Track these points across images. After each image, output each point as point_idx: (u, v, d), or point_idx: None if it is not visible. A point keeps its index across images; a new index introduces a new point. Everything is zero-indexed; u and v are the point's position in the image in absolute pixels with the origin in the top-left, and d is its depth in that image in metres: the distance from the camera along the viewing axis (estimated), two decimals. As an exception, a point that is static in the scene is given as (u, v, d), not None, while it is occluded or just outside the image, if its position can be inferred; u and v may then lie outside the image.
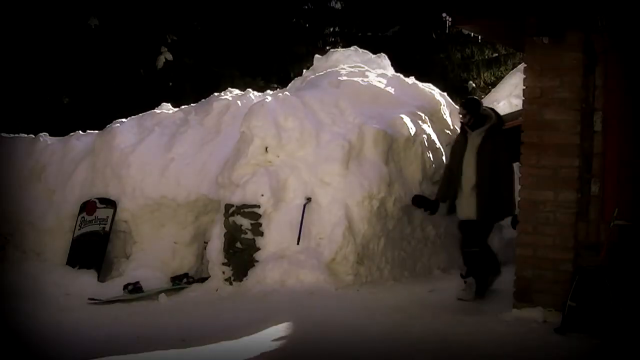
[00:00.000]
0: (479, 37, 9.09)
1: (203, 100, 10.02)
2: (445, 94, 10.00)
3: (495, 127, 7.43)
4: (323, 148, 8.11)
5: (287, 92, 9.07)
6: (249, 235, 7.92)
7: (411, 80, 9.66)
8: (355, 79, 9.12)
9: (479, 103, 7.66)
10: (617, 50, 6.26)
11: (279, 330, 6.06)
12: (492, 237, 9.67)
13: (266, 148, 8.14)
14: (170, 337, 5.92)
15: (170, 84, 15.95)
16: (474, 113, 7.43)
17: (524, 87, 6.53)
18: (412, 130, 8.54)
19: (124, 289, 8.00)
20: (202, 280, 8.20)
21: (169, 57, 15.65)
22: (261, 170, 8.04)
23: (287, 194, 7.98)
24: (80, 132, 10.44)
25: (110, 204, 8.93)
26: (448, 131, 9.33)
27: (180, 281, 8.20)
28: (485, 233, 7.55)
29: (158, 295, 7.87)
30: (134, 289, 7.94)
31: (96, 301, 7.68)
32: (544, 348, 5.53)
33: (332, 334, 5.94)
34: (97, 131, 10.21)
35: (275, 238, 7.83)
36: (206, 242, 8.39)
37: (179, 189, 8.70)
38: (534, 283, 6.41)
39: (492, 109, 7.70)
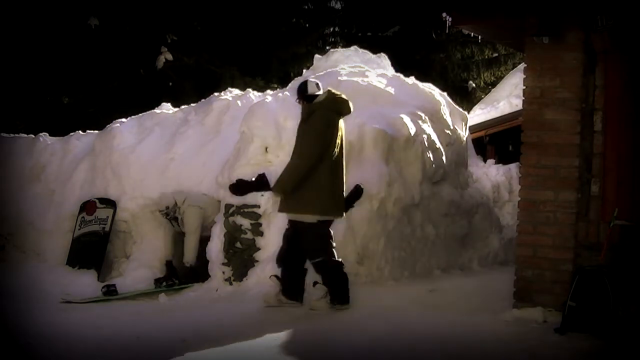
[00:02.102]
0: (479, 37, 9.06)
1: (203, 100, 10.03)
2: (445, 94, 10.01)
3: (315, 110, 6.78)
4: (323, 148, 8.09)
5: (287, 92, 9.07)
6: (249, 235, 7.93)
7: (411, 80, 9.67)
8: (355, 79, 9.12)
9: (304, 84, 6.98)
10: (617, 50, 6.26)
11: (279, 330, 6.05)
12: (491, 237, 9.76)
13: (266, 148, 8.14)
14: (170, 337, 5.91)
15: (170, 84, 15.96)
16: (303, 95, 6.93)
17: (524, 87, 6.52)
18: (412, 130, 8.54)
19: (100, 290, 8.00)
20: (183, 283, 8.15)
21: (169, 57, 15.66)
22: (261, 171, 8.02)
23: (287, 194, 7.96)
24: (80, 132, 10.45)
25: (110, 204, 8.94)
26: (448, 131, 9.34)
27: (160, 284, 8.15)
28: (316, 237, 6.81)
29: (132, 298, 7.86)
30: (108, 291, 7.92)
31: (69, 301, 7.63)
32: (544, 348, 5.52)
33: (332, 334, 5.94)
34: (97, 131, 10.23)
35: (275, 238, 7.81)
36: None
37: (179, 189, 8.70)
38: (534, 283, 6.41)
39: (329, 90, 6.94)
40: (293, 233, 6.84)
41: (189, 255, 8.23)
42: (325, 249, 6.79)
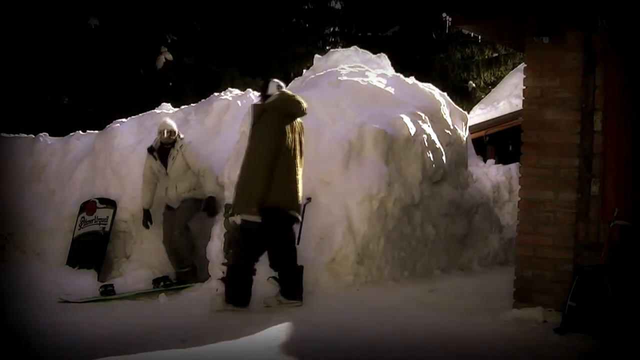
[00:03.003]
0: (479, 37, 9.07)
1: (203, 100, 10.03)
2: (445, 94, 10.00)
3: (269, 109, 6.82)
4: (323, 148, 8.10)
5: (286, 92, 9.06)
6: (249, 235, 7.91)
7: (411, 80, 9.66)
8: (355, 79, 9.11)
9: (266, 83, 7.07)
10: (617, 50, 6.26)
11: (279, 330, 6.06)
12: (491, 237, 9.76)
13: (266, 148, 8.13)
14: (170, 337, 5.92)
15: (170, 84, 15.96)
16: (263, 94, 7.02)
17: (524, 87, 6.52)
18: (412, 130, 8.54)
19: (98, 290, 8.00)
20: (182, 283, 8.14)
21: (169, 57, 15.66)
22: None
23: (287, 194, 7.97)
24: (80, 132, 10.45)
25: (110, 204, 8.94)
26: (448, 131, 9.33)
27: (158, 284, 8.15)
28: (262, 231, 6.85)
29: (130, 297, 7.85)
30: (106, 291, 7.92)
31: (67, 301, 7.63)
32: (544, 348, 5.53)
33: (332, 334, 5.94)
34: (97, 131, 10.23)
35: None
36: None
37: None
38: (534, 283, 6.41)
39: (282, 91, 7.00)
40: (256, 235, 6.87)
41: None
42: (284, 243, 6.95)
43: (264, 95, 6.99)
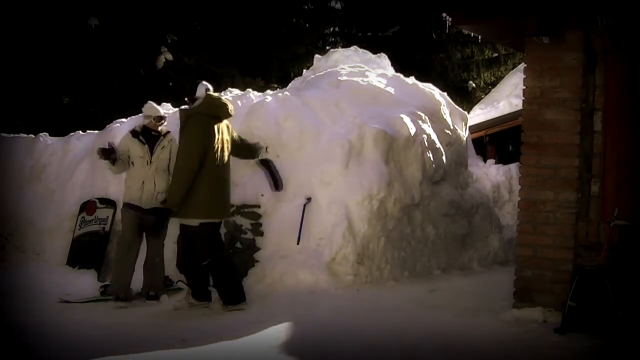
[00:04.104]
0: (479, 37, 9.07)
1: (203, 100, 10.02)
2: (445, 94, 10.01)
3: (191, 115, 6.89)
4: (323, 148, 8.11)
5: (287, 92, 9.08)
6: (249, 235, 7.93)
7: (411, 80, 9.67)
8: (355, 79, 9.12)
9: (195, 85, 7.10)
10: (617, 50, 6.26)
11: (279, 330, 6.06)
12: (491, 237, 9.76)
13: (266, 148, 8.14)
14: (170, 337, 5.92)
15: (170, 84, 15.94)
16: (190, 97, 7.07)
17: (524, 87, 6.53)
18: (412, 130, 8.54)
19: (98, 290, 7.99)
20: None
21: (169, 57, 15.64)
22: (261, 170, 8.05)
23: (287, 194, 7.98)
24: (80, 132, 10.44)
25: (110, 204, 8.93)
26: (448, 131, 9.34)
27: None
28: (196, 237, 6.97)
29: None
30: (106, 291, 7.91)
31: (67, 301, 7.62)
32: (544, 348, 5.53)
33: (332, 334, 5.94)
34: (97, 131, 10.22)
35: (275, 238, 7.83)
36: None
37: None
38: (534, 283, 6.42)
39: (208, 94, 7.01)
40: (184, 237, 7.05)
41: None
42: (210, 251, 6.97)
43: (192, 98, 7.04)
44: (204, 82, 7.16)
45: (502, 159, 13.21)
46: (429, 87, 9.70)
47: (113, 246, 8.93)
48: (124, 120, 9.88)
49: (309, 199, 7.87)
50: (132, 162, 7.58)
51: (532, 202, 6.46)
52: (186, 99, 7.15)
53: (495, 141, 13.93)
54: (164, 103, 10.31)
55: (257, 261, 7.81)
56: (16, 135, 10.79)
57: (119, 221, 8.92)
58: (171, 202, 6.95)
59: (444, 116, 9.40)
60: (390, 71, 10.22)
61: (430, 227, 8.67)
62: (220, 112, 7.03)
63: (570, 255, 6.31)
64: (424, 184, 8.60)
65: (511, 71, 16.89)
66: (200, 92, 7.02)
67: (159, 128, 7.69)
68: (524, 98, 6.56)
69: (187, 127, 6.92)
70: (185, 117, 6.99)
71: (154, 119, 7.67)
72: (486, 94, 17.61)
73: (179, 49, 15.80)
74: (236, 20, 16.40)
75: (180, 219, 7.04)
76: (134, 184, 7.52)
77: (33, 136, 10.42)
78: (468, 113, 11.66)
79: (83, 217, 8.96)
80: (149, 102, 7.96)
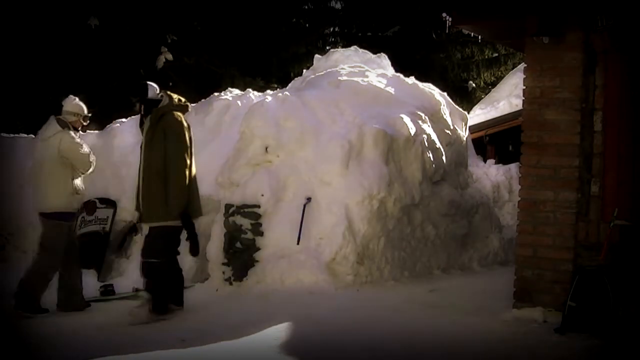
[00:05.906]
0: (479, 37, 9.07)
1: (203, 100, 10.03)
2: (445, 94, 10.01)
3: (165, 114, 6.77)
4: (323, 148, 8.11)
5: (287, 92, 9.08)
6: (249, 235, 7.93)
7: (411, 80, 9.67)
8: (355, 79, 9.12)
9: (144, 87, 6.97)
10: (617, 50, 6.26)
11: (279, 330, 6.05)
12: (491, 237, 9.77)
13: (266, 148, 8.14)
14: (170, 337, 5.92)
15: (170, 84, 15.94)
16: (142, 99, 6.97)
17: (524, 87, 6.53)
18: (412, 130, 8.54)
19: (98, 290, 7.99)
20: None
21: (169, 57, 15.65)
22: (261, 170, 8.05)
23: (287, 194, 7.98)
24: (80, 132, 10.42)
25: (110, 204, 8.94)
26: (448, 131, 9.34)
27: None
28: (165, 241, 6.74)
29: (129, 298, 7.78)
30: (106, 291, 7.92)
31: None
32: (544, 348, 5.53)
33: (332, 334, 5.94)
34: (97, 131, 10.22)
35: (275, 238, 7.83)
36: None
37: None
38: (534, 283, 6.42)
39: (167, 92, 7.00)
40: (161, 238, 6.77)
41: None
42: (169, 251, 6.80)
43: (146, 99, 6.94)
44: (151, 82, 7.09)
45: (502, 159, 13.22)
46: (429, 87, 9.71)
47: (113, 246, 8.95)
48: (124, 120, 9.88)
49: (309, 199, 7.87)
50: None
51: (532, 202, 6.46)
52: (138, 101, 7.03)
53: (495, 141, 13.94)
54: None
55: (257, 261, 7.81)
56: (16, 135, 10.79)
57: (118, 221, 8.94)
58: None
59: (444, 116, 9.41)
60: (390, 71, 10.22)
61: (430, 227, 8.67)
62: (186, 109, 7.01)
63: (570, 255, 6.31)
64: (424, 184, 8.60)
65: (511, 71, 16.89)
66: (152, 92, 6.94)
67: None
68: (524, 98, 6.56)
69: (165, 124, 6.73)
70: (156, 114, 6.80)
71: (82, 118, 7.55)
72: (486, 94, 17.61)
73: (179, 49, 15.80)
74: (236, 20, 16.40)
75: (163, 222, 6.68)
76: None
77: (33, 136, 10.41)
78: (468, 113, 11.67)
79: (83, 217, 8.95)
80: (74, 97, 7.65)
